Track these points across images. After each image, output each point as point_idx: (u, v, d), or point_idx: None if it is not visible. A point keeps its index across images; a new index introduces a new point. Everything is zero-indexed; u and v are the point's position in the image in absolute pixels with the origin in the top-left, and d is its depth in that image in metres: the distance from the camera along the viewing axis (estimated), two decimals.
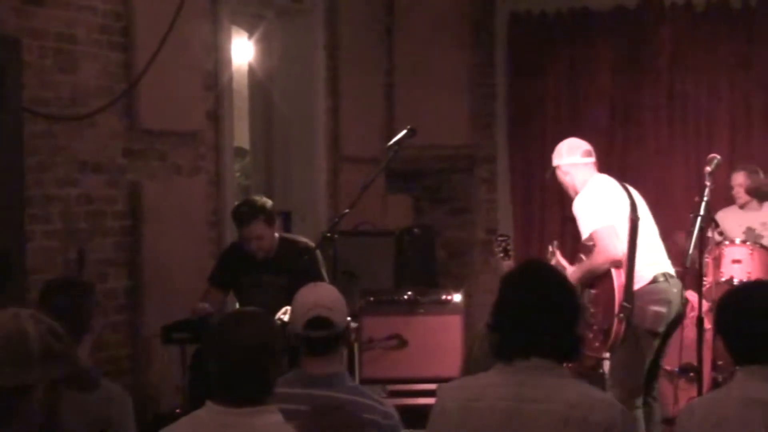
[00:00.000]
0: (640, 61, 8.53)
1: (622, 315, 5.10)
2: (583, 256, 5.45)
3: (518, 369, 2.95)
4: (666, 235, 6.53)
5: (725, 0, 8.28)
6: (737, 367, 3.18)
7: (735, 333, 3.17)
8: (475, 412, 2.94)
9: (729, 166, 7.46)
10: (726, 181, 7.33)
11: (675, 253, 6.81)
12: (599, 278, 5.28)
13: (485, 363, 3.10)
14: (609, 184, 5.49)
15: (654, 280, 5.23)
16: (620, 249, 5.19)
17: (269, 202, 5.66)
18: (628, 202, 5.37)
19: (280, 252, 5.60)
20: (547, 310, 2.96)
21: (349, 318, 3.62)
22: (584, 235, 5.34)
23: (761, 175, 7.41)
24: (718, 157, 5.24)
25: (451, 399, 3.03)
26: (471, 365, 3.54)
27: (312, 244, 5.72)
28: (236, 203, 5.88)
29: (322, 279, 5.47)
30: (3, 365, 2.29)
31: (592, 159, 5.58)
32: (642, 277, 5.22)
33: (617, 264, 5.19)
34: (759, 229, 7.09)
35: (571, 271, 5.34)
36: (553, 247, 5.82)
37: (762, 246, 6.80)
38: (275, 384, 2.88)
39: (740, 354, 3.16)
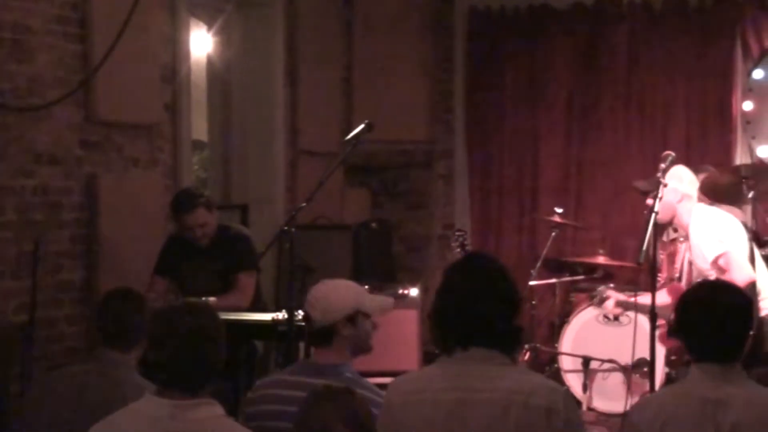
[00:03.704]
0: (597, 59, 8.60)
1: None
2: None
3: (458, 360, 2.97)
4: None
5: None
6: (692, 364, 3.21)
7: (693, 331, 3.21)
8: (417, 405, 2.95)
9: (683, 164, 7.51)
10: None
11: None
12: None
13: None
14: (721, 213, 5.56)
15: None
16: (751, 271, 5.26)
17: (206, 191, 5.94)
18: (743, 229, 5.48)
19: (217, 239, 5.72)
20: (484, 300, 2.97)
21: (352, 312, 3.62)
22: (711, 257, 5.30)
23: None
24: (673, 154, 5.28)
25: (397, 393, 3.04)
26: None
27: (246, 231, 5.94)
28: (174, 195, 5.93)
29: (255, 265, 5.68)
30: None
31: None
32: (763, 306, 5.34)
33: (753, 285, 5.23)
34: None
35: None
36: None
37: None
38: (214, 373, 2.86)
39: (697, 352, 3.20)
